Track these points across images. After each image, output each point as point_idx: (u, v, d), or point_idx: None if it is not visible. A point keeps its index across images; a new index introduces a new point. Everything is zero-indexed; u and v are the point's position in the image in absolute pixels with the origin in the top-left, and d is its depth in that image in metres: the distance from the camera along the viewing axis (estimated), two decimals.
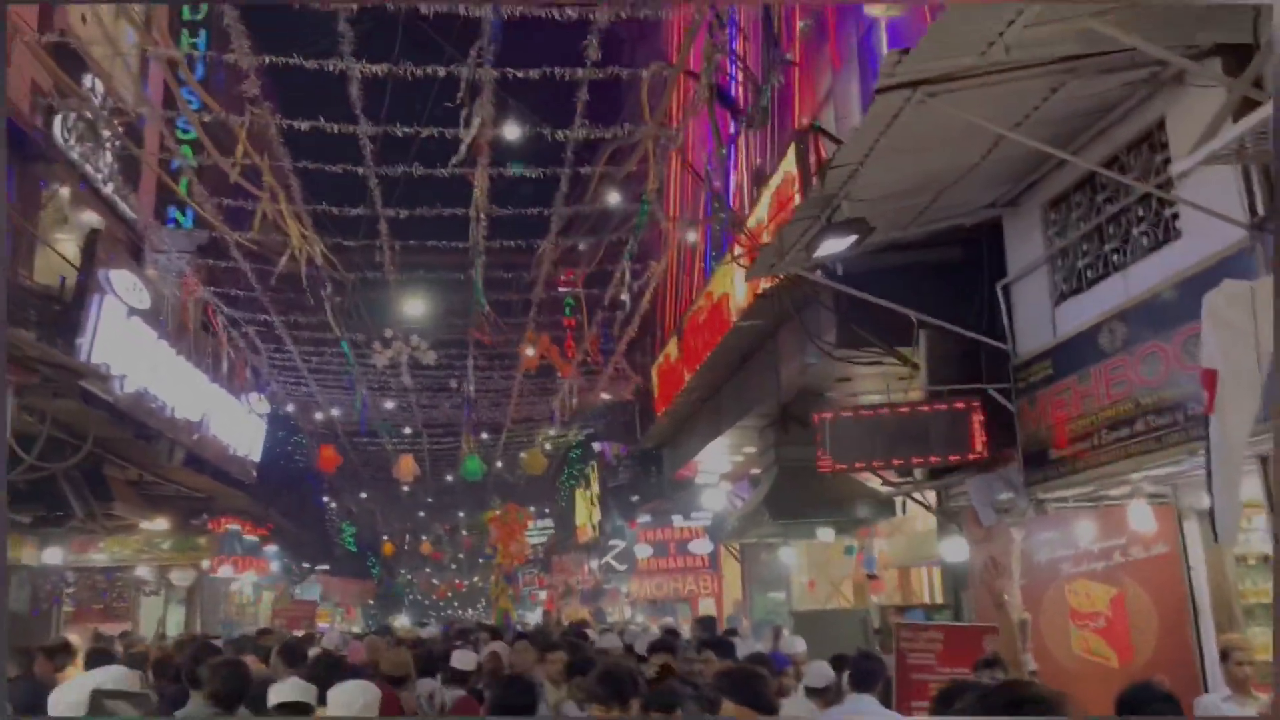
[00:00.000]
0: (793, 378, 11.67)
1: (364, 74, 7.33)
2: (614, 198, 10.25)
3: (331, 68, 7.23)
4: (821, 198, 7.20)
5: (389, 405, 17.22)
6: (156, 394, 12.78)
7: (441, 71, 7.27)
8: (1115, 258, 7.55)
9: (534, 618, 33.32)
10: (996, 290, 9.07)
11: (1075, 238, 7.97)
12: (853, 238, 7.16)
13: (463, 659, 8.38)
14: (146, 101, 14.65)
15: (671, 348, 16.72)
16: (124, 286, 11.11)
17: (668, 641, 7.72)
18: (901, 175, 7.18)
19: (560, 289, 20.43)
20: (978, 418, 8.51)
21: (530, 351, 13.13)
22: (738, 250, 9.75)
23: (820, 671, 6.41)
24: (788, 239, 7.79)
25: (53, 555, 15.10)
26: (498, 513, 16.49)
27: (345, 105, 7.97)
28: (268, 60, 7.54)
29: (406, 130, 8.08)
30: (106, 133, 14.54)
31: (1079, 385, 7.66)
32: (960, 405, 8.60)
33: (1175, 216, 6.91)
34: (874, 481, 14.69)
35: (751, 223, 11.42)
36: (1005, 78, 5.97)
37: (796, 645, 8.88)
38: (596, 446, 25.71)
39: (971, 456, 8.45)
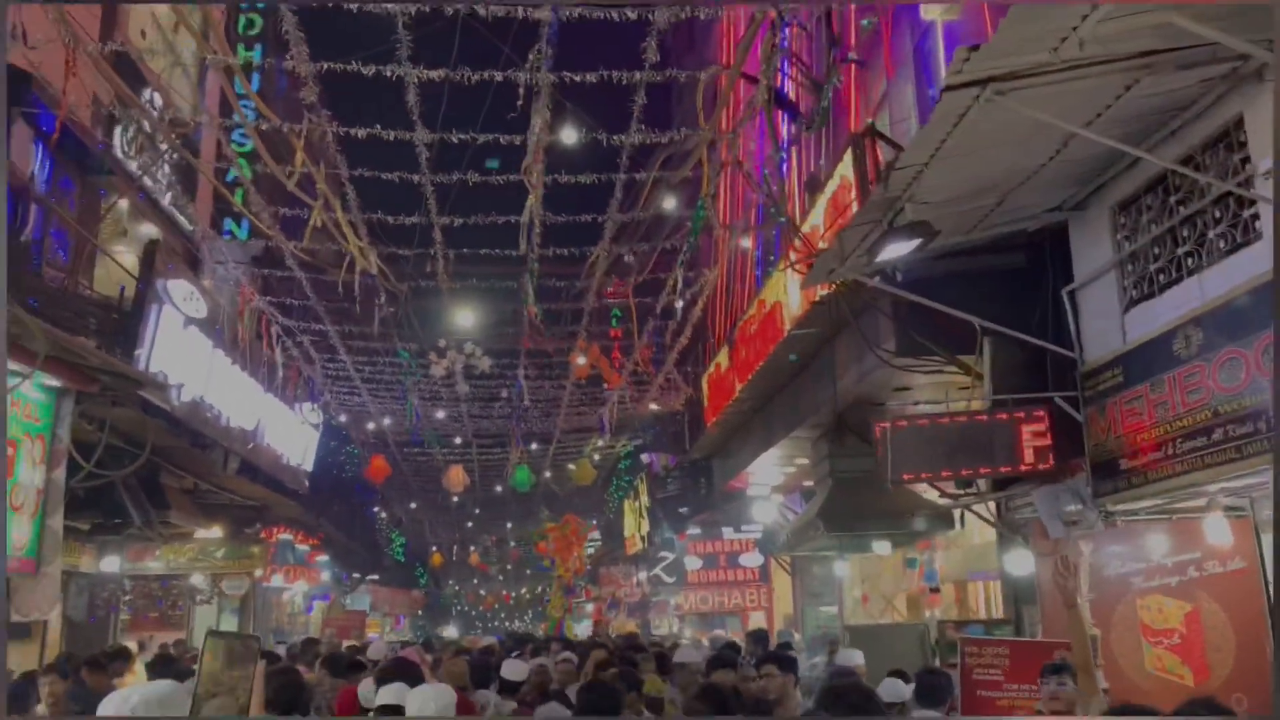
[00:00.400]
0: (849, 386, 11.48)
1: (420, 79, 7.30)
2: (668, 203, 10.12)
3: (389, 73, 7.20)
4: (883, 200, 7.04)
5: (439, 415, 17.24)
6: (212, 403, 12.88)
7: (499, 76, 7.22)
8: (1190, 261, 7.30)
9: (582, 630, 33.22)
10: (1062, 296, 8.83)
11: (1146, 241, 7.73)
12: (916, 241, 7.00)
13: (513, 669, 8.30)
14: (204, 112, 14.85)
15: (722, 357, 16.58)
16: (181, 296, 11.21)
17: (728, 657, 7.55)
18: (966, 177, 7.00)
19: (608, 299, 20.43)
20: (1044, 427, 8.27)
21: (581, 360, 13.05)
22: (793, 257, 9.58)
23: (893, 689, 6.24)
24: (848, 243, 7.64)
25: (110, 563, 15.26)
26: (556, 525, 16.39)
27: (400, 113, 7.98)
28: (325, 67, 7.54)
29: (462, 136, 8.04)
30: (164, 145, 14.74)
31: (1152, 393, 7.41)
32: (1025, 414, 8.36)
33: (1255, 218, 6.66)
34: (932, 494, 14.45)
35: (805, 229, 11.27)
36: (1078, 75, 5.78)
37: (855, 658, 8.68)
38: (645, 458, 25.59)
39: (1039, 467, 8.21)
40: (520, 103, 7.41)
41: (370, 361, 14.81)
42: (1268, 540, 7.90)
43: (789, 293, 12.22)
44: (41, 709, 8.29)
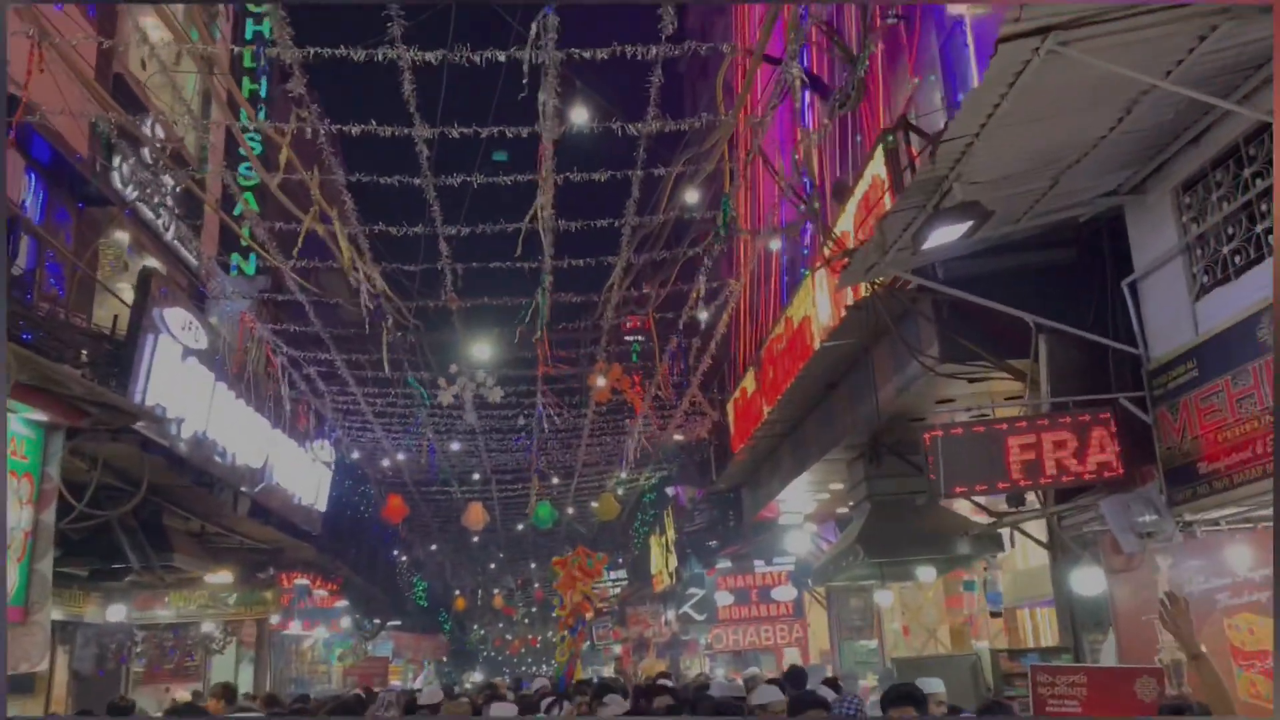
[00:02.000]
0: (889, 400, 10.76)
1: (415, 62, 6.72)
2: (690, 199, 9.47)
3: (380, 57, 6.63)
4: (930, 180, 6.38)
5: (455, 447, 16.57)
6: (216, 439, 12.28)
7: (500, 56, 6.63)
8: (1271, 238, 6.59)
9: (608, 672, 32.29)
10: (1122, 289, 8.13)
11: (1218, 221, 7.03)
12: (966, 225, 6.34)
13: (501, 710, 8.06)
14: (209, 144, 14.43)
15: (748, 381, 15.88)
16: (179, 326, 10.65)
17: (815, 697, 6.71)
18: (1021, 151, 6.34)
19: (625, 336, 19.73)
20: (1110, 430, 7.53)
21: (601, 381, 12.36)
22: (827, 254, 8.91)
23: None
24: (889, 232, 6.97)
25: (116, 612, 14.63)
26: (563, 559, 15.66)
27: (397, 112, 7.42)
28: (311, 53, 6.96)
29: (464, 130, 7.45)
30: (168, 178, 14.30)
31: (1234, 386, 6.68)
32: (1089, 417, 7.63)
33: None
34: (978, 514, 13.66)
35: (835, 234, 10.62)
36: (1149, 22, 5.14)
37: (934, 685, 7.84)
38: (670, 491, 24.84)
39: (1105, 474, 7.46)
40: (526, 82, 6.81)
41: (382, 393, 14.20)
42: None
43: (818, 305, 11.55)
44: None
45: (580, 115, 7.59)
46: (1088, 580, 8.43)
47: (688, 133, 8.48)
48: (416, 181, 8.19)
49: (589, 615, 17.48)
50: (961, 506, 14.29)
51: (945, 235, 6.45)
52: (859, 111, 12.39)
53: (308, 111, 7.61)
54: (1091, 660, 10.93)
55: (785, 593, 21.39)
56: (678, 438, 19.99)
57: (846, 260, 8.61)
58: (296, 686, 26.24)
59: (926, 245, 6.55)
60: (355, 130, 7.42)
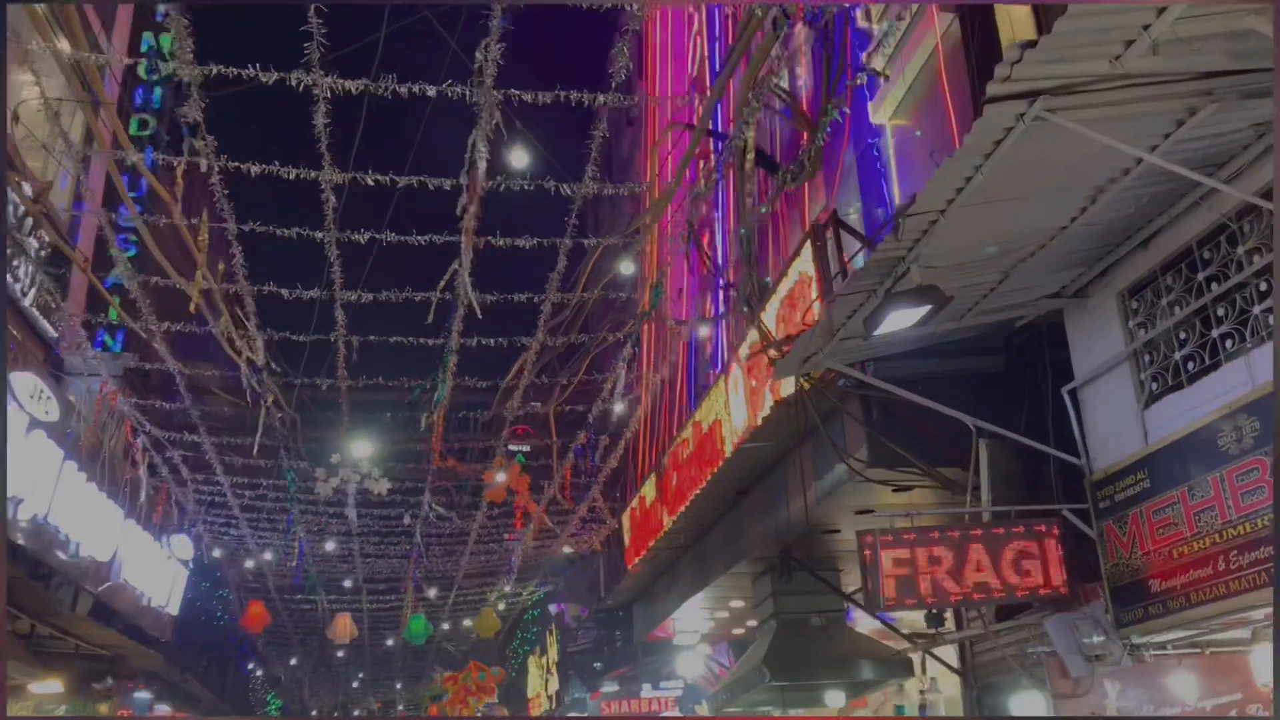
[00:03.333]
0: (803, 510, 10.19)
1: (334, 92, 6.03)
2: (625, 269, 8.87)
3: (293, 82, 5.93)
4: (885, 261, 5.95)
5: (329, 547, 15.21)
6: (59, 526, 10.90)
7: (431, 90, 5.99)
8: (1228, 344, 6.33)
9: None
10: (1059, 397, 7.82)
11: (1168, 326, 6.78)
12: (924, 309, 5.89)
13: None
14: (86, 191, 13.23)
15: (648, 489, 15.16)
16: (27, 393, 9.44)
17: None
18: (983, 235, 5.99)
19: (510, 446, 18.83)
20: (1057, 543, 7.08)
21: (500, 477, 11.45)
22: (761, 344, 8.39)
23: None
24: (837, 316, 6.49)
25: None
26: (454, 675, 14.31)
27: (307, 158, 6.68)
28: (214, 71, 6.21)
29: (379, 178, 6.74)
30: (32, 240, 13.11)
31: (1191, 499, 6.31)
32: (1035, 529, 7.17)
33: None
34: (886, 637, 13.09)
35: (752, 338, 10.18)
36: (1136, 95, 4.86)
37: None
38: (553, 608, 23.64)
39: (1058, 589, 6.97)
40: (457, 116, 6.18)
41: (252, 484, 12.95)
42: None
43: (732, 409, 11.05)
44: None
45: (518, 160, 6.98)
46: (1030, 706, 7.85)
47: (618, 201, 7.96)
48: (319, 235, 7.39)
49: None
50: (869, 628, 13.74)
51: (900, 320, 6.00)
52: (773, 213, 12.16)
53: (202, 141, 6.81)
54: None
55: None
56: (567, 550, 19.02)
57: (776, 352, 8.11)
58: None
59: (879, 330, 6.08)
60: (254, 170, 6.64)
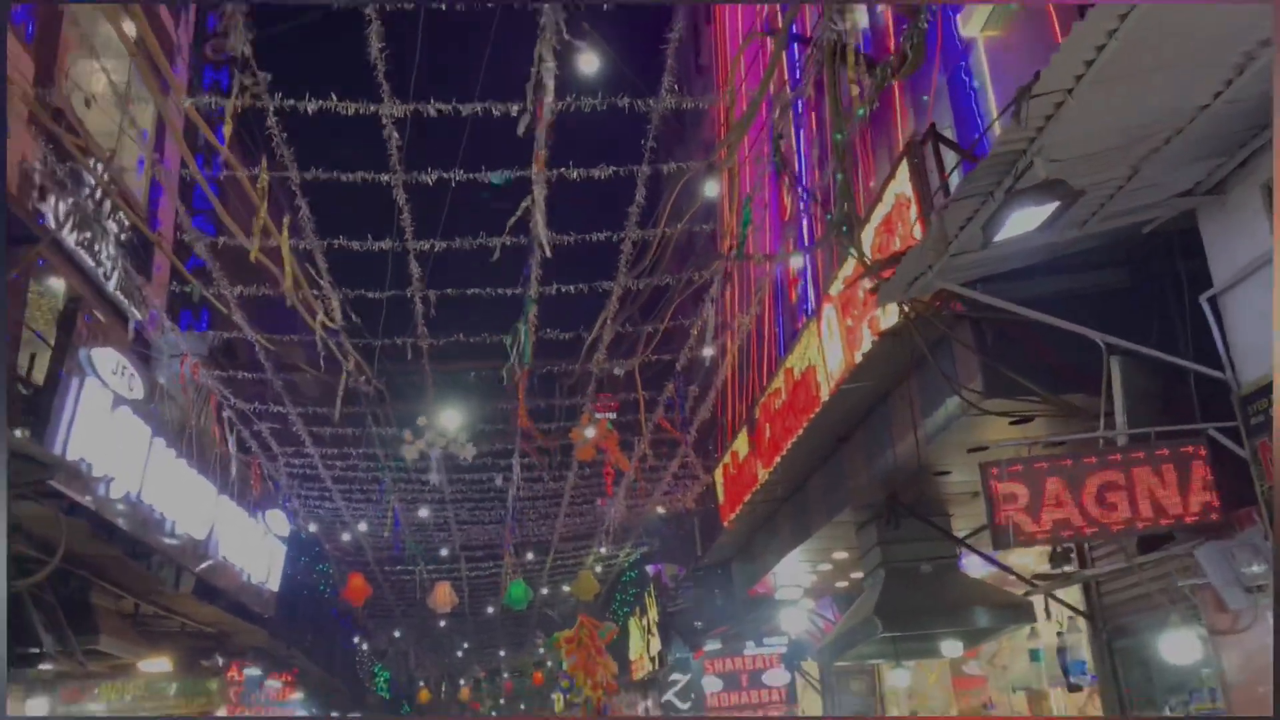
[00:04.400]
0: (911, 451, 9.58)
1: (386, 9, 5.60)
2: (710, 191, 8.33)
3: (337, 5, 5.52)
4: (1004, 157, 5.32)
5: (423, 514, 15.06)
6: (153, 504, 10.86)
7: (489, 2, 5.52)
8: None
9: None
10: (1195, 309, 7.10)
11: None
12: (1051, 207, 5.26)
13: None
14: (163, 172, 13.16)
15: (740, 443, 14.68)
16: (109, 369, 9.33)
17: None
18: (1113, 119, 5.30)
19: (599, 413, 18.43)
20: (1206, 465, 6.40)
21: (590, 432, 11.04)
22: (868, 265, 7.77)
23: None
24: (951, 223, 5.88)
25: (37, 706, 12.91)
26: (570, 632, 13.88)
27: (365, 91, 6.29)
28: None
29: (442, 107, 6.32)
30: (112, 224, 13.07)
31: None
32: (1178, 451, 6.50)
33: None
34: (1008, 581, 12.44)
35: (847, 270, 9.57)
36: None
37: None
38: (650, 569, 23.36)
39: (1210, 516, 6.30)
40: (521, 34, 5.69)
41: (341, 454, 12.80)
42: None
43: (826, 351, 10.46)
44: None
45: (587, 65, 6.47)
46: (1182, 646, 7.20)
47: (699, 121, 7.40)
48: (385, 179, 7.03)
49: (613, 694, 15.79)
50: (985, 574, 13.09)
51: (1023, 222, 5.38)
52: (856, 140, 11.43)
53: (253, 79, 6.47)
54: None
55: (777, 676, 19.90)
56: (660, 510, 18.66)
57: (877, 278, 7.52)
58: None
59: (1001, 234, 5.47)
60: (310, 107, 6.30)
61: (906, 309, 7.77)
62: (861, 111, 7.73)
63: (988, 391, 7.80)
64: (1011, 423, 8.56)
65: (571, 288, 8.53)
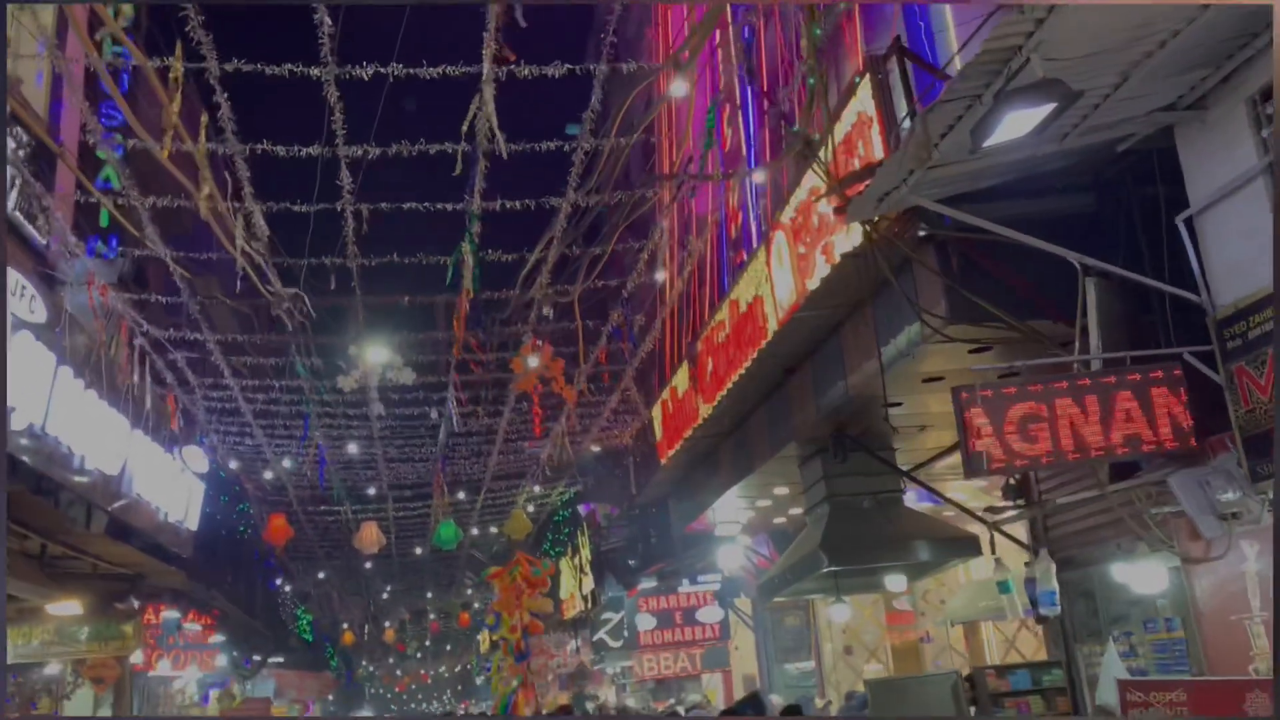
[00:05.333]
0: (863, 382, 9.32)
1: None
2: (678, 90, 7.79)
3: None
4: (996, 54, 4.94)
5: (351, 449, 14.40)
6: (59, 436, 10.11)
7: None
8: None
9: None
10: (1164, 233, 6.88)
11: None
12: (1047, 109, 4.90)
13: None
14: (65, 66, 12.11)
15: (679, 379, 14.33)
16: (7, 290, 8.54)
17: None
18: (1116, 16, 4.95)
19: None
20: (1183, 390, 6.20)
21: (533, 362, 10.51)
22: (808, 198, 7.40)
23: None
24: (935, 127, 5.50)
25: None
26: (502, 568, 13.50)
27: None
28: None
29: None
30: (12, 144, 12.06)
31: None
32: (1140, 377, 6.28)
33: None
34: (950, 515, 12.39)
35: (801, 193, 9.19)
36: None
37: None
38: (582, 509, 23.09)
39: (1188, 442, 6.11)
40: None
41: (263, 387, 12.11)
42: None
43: (775, 281, 10.09)
44: None
45: None
46: (1148, 575, 7.07)
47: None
48: (315, 73, 6.35)
49: (537, 634, 15.47)
50: (927, 507, 13.02)
51: (1016, 126, 5.02)
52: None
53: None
54: (1087, 674, 9.70)
55: (711, 613, 19.87)
56: (594, 449, 18.30)
57: (840, 199, 7.14)
58: None
59: (993, 138, 5.11)
60: None
61: (869, 229, 7.42)
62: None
63: (952, 316, 7.53)
64: (970, 350, 8.32)
65: (518, 203, 7.96)
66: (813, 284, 8.88)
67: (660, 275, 11.19)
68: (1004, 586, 8.46)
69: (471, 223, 7.73)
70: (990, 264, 7.49)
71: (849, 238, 7.86)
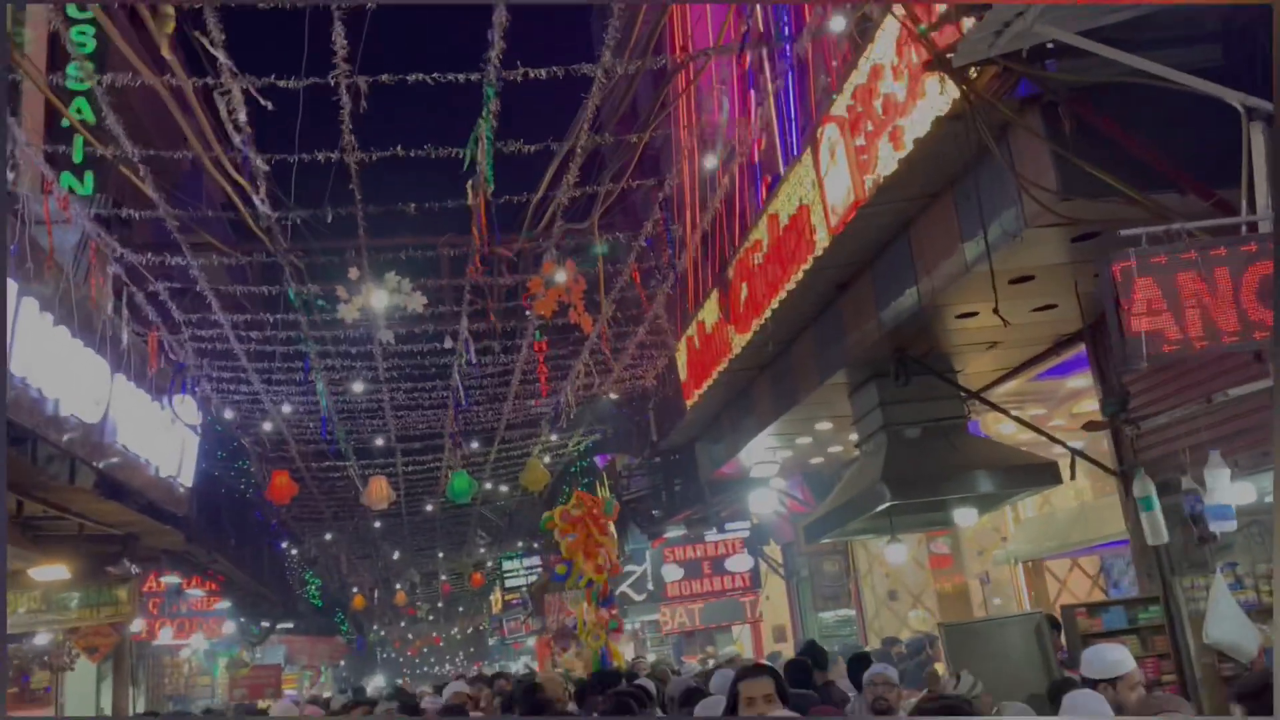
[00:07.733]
0: (944, 284, 8.14)
1: None
2: None
3: None
4: None
5: (357, 388, 13.23)
6: (25, 377, 8.99)
7: None
8: None
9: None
10: None
11: None
12: None
13: None
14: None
15: (708, 311, 13.18)
16: None
17: None
18: None
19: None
20: None
21: (561, 277, 9.30)
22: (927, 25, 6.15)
23: None
24: None
25: None
26: (569, 506, 12.22)
27: None
28: None
29: None
30: None
31: None
32: None
33: None
34: (1022, 438, 11.33)
35: (861, 77, 7.99)
36: None
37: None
38: (599, 461, 22.07)
39: None
40: None
41: (255, 321, 10.90)
42: None
43: (827, 184, 8.88)
44: None
45: None
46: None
47: None
48: None
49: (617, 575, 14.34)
50: (998, 433, 11.98)
51: None
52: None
53: None
54: (1189, 610, 8.67)
55: (741, 562, 18.91)
56: (613, 396, 17.18)
57: (930, 45, 5.96)
58: (176, 704, 22.73)
59: None
60: None
61: (966, 88, 6.22)
62: None
63: (1065, 190, 6.36)
64: (1073, 239, 7.20)
65: (543, 71, 6.66)
66: (884, 174, 7.68)
67: (710, 163, 9.94)
68: (1147, 503, 7.34)
69: (489, 93, 6.53)
70: (1108, 127, 6.31)
71: (935, 103, 6.66)
